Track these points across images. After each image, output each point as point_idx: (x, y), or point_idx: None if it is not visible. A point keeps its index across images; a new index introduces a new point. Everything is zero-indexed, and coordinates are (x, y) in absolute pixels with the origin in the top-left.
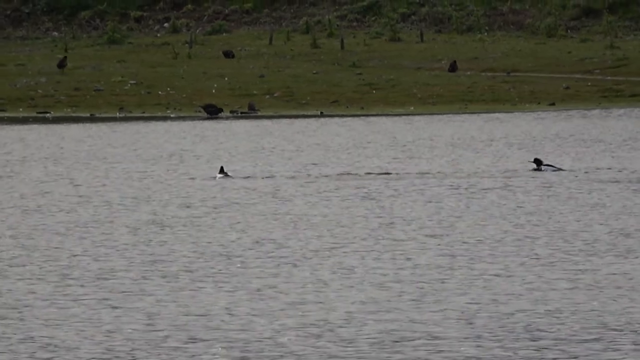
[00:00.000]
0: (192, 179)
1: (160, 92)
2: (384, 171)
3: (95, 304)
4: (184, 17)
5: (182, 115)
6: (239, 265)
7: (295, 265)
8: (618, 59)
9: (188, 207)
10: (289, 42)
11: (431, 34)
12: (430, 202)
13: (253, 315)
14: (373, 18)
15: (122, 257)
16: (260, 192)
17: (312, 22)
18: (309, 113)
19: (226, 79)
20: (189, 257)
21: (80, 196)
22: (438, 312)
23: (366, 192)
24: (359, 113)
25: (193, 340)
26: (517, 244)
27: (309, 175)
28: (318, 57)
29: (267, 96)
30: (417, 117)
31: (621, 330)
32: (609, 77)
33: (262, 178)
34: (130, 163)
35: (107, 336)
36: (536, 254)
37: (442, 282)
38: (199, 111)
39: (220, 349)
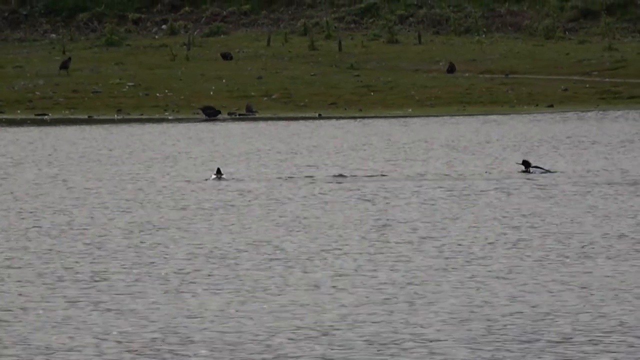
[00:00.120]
0: (187, 181)
1: (158, 94)
2: (378, 173)
3: (86, 306)
4: (182, 19)
5: (180, 117)
6: (231, 267)
7: (288, 267)
8: (616, 60)
9: (183, 209)
10: (287, 44)
11: (429, 35)
12: (424, 204)
13: (244, 317)
14: (371, 20)
15: (115, 259)
16: (255, 194)
17: (309, 24)
18: (307, 115)
19: (224, 80)
20: (181, 259)
21: (73, 198)
22: (431, 315)
23: (360, 194)
24: (357, 115)
25: (183, 343)
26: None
27: (304, 177)
28: (316, 59)
29: (265, 98)
30: (413, 119)
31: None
32: (607, 79)
33: (257, 180)
34: (123, 165)
35: (98, 339)
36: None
37: (437, 285)
38: (198, 113)
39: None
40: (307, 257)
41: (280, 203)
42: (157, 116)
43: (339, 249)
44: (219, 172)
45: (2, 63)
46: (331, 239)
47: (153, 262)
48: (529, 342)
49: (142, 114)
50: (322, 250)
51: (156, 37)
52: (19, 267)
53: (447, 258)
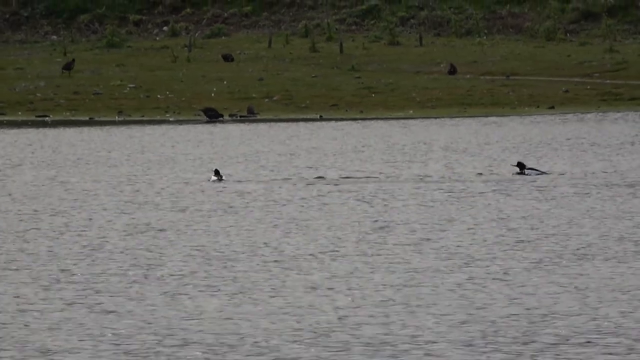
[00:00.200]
0: (186, 182)
1: (159, 96)
2: (376, 174)
3: (82, 308)
4: (183, 21)
5: (181, 118)
6: (229, 268)
7: (285, 269)
8: (617, 62)
9: (182, 210)
10: (288, 46)
11: (430, 37)
12: (421, 205)
13: (241, 319)
14: (372, 22)
15: (113, 260)
16: (253, 196)
17: (311, 26)
18: (308, 116)
19: (225, 82)
20: (179, 260)
21: (71, 200)
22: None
23: (359, 196)
24: (358, 117)
25: (180, 344)
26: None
27: (302, 178)
28: (317, 61)
29: (267, 99)
30: (414, 121)
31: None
32: (608, 81)
33: (256, 181)
34: (123, 167)
35: (96, 340)
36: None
37: (435, 287)
38: (199, 115)
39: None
40: (304, 259)
41: (279, 204)
42: (158, 118)
43: (336, 251)
44: (217, 173)
45: (3, 65)
46: (329, 240)
47: (150, 264)
48: (525, 344)
49: (143, 116)
50: (318, 252)
51: (157, 38)
52: (17, 269)
53: (444, 260)
